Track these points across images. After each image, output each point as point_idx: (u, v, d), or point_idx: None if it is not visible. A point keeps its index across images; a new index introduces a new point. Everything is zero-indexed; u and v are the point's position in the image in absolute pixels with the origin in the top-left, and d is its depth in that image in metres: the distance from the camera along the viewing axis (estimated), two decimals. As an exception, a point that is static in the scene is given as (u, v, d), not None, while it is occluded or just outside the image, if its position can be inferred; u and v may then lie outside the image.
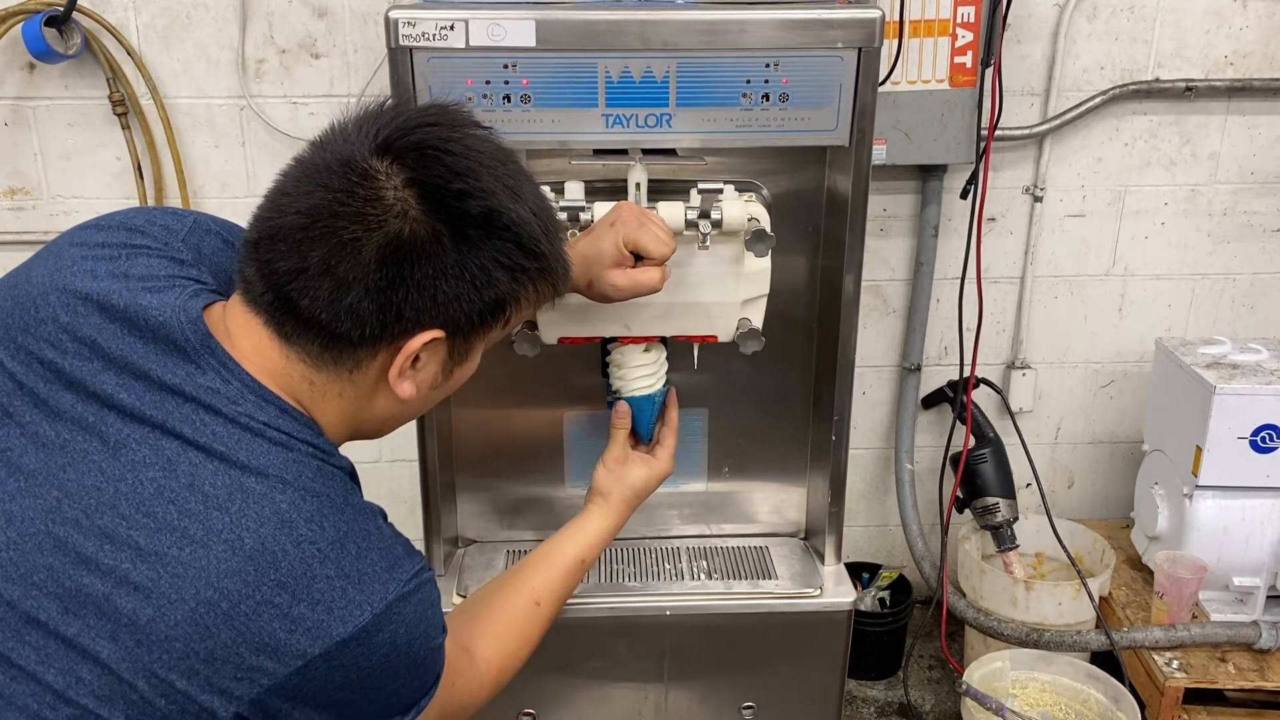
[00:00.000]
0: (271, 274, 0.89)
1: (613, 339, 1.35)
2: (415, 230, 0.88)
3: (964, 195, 2.14)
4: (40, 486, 0.86)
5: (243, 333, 0.92)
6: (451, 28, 1.23)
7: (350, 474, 0.96)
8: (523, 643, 1.19)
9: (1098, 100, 2.18)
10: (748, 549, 1.59)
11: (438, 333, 0.92)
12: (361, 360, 0.92)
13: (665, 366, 1.37)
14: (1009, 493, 2.19)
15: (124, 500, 0.85)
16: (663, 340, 1.37)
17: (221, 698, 0.83)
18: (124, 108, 2.06)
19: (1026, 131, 2.19)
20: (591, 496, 1.33)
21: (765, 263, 1.30)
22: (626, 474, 1.32)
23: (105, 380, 0.88)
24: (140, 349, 0.89)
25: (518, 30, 1.23)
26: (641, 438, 1.37)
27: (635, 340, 1.34)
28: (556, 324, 1.32)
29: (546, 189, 1.27)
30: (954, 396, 2.29)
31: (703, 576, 1.52)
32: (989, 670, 2.02)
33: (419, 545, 1.50)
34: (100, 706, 0.82)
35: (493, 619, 1.18)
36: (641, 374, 1.34)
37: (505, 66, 1.25)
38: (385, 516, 0.96)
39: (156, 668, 0.81)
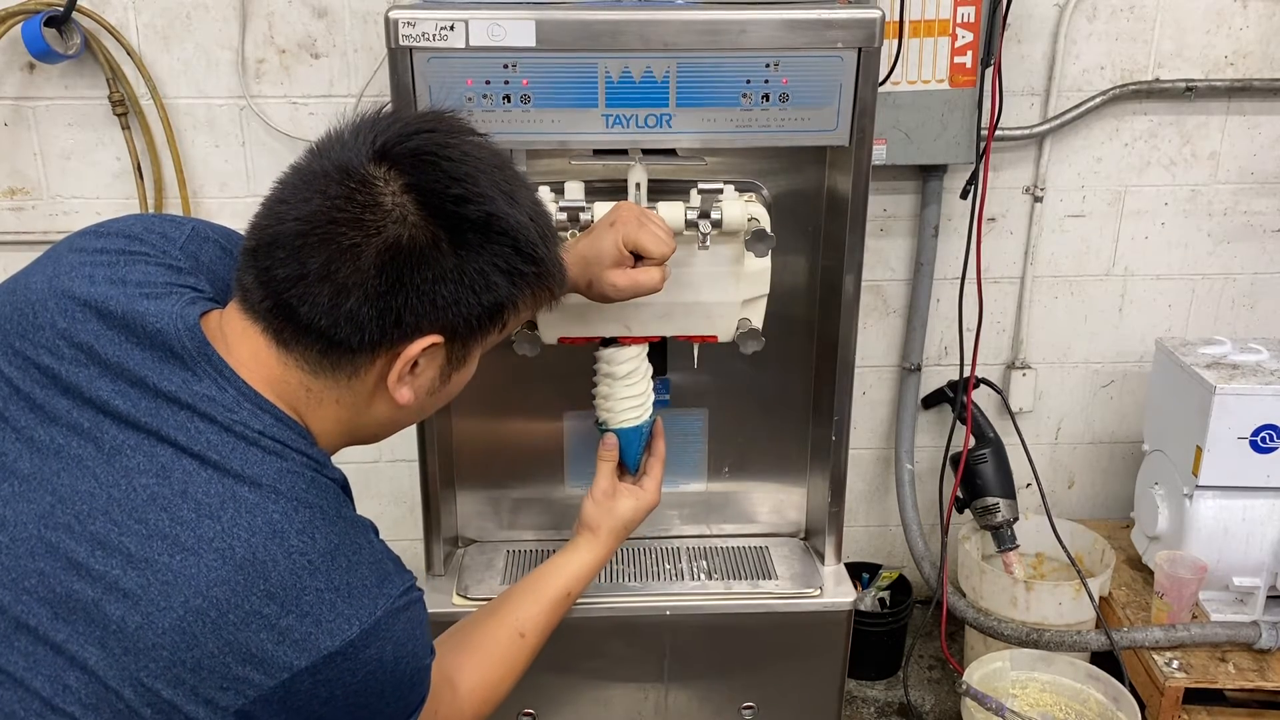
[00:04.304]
0: (270, 281, 0.89)
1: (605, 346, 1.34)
2: (414, 235, 0.88)
3: (964, 195, 2.14)
4: (34, 491, 0.86)
5: (240, 340, 0.91)
6: (451, 28, 1.23)
7: (343, 486, 0.95)
8: (505, 674, 1.19)
9: (1098, 100, 2.18)
10: (748, 549, 1.59)
11: (436, 338, 0.92)
12: (360, 366, 0.92)
13: (653, 397, 1.36)
14: (1009, 493, 2.19)
15: (116, 506, 0.84)
16: (651, 352, 1.35)
17: (207, 708, 0.82)
18: (124, 108, 2.06)
19: (1026, 131, 2.19)
20: (579, 530, 1.33)
21: (765, 263, 1.30)
22: (615, 507, 1.33)
23: (101, 386, 0.88)
24: (137, 355, 0.89)
25: (518, 30, 1.23)
26: (628, 468, 1.37)
27: (630, 340, 1.33)
28: (556, 324, 1.32)
29: (546, 189, 1.27)
30: (954, 396, 2.29)
31: (703, 576, 1.52)
32: (989, 670, 2.02)
33: (419, 545, 1.52)
34: (86, 715, 0.81)
35: (477, 650, 1.18)
36: (628, 405, 1.33)
37: (505, 66, 1.25)
38: (377, 532, 0.96)
39: (143, 676, 0.81)
